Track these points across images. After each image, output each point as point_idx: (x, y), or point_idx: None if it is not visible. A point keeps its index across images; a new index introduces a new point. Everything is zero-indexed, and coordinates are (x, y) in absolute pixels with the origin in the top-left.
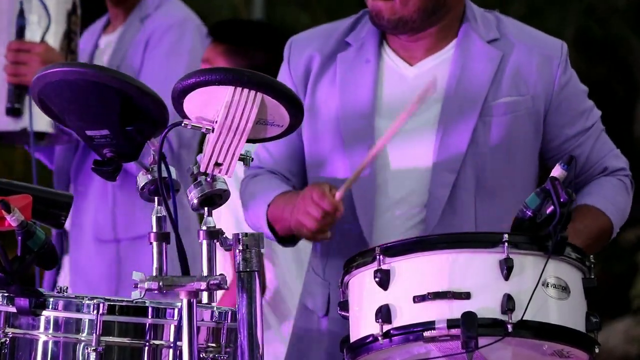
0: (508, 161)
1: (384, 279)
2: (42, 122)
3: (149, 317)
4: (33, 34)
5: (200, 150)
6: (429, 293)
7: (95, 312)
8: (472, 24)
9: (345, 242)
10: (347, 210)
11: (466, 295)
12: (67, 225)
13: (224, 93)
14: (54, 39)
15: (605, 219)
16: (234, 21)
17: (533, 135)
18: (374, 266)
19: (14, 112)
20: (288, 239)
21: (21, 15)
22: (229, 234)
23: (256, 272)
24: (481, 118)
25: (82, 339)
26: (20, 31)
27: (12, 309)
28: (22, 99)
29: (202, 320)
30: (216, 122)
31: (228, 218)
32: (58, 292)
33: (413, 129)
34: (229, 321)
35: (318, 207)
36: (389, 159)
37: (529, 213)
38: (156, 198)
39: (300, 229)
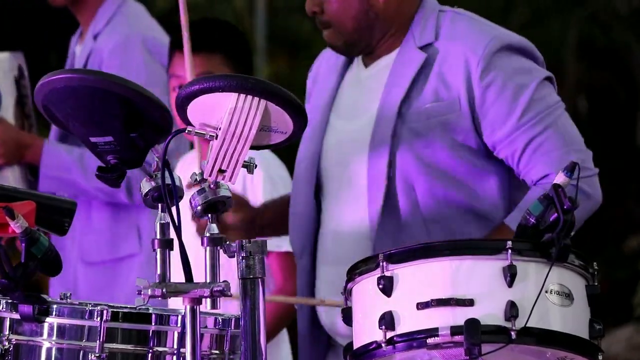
0: (441, 165)
1: (387, 286)
2: None
3: (152, 324)
4: None
5: None
6: (432, 300)
7: (98, 318)
8: (414, 29)
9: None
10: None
11: (469, 302)
12: None
13: (227, 100)
14: (7, 111)
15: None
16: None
17: (464, 137)
18: (377, 273)
19: None
20: None
21: None
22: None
23: (259, 279)
24: (400, 126)
25: (86, 345)
26: None
27: (16, 316)
28: None
29: (206, 327)
30: (220, 128)
31: (261, 178)
32: (62, 299)
33: (351, 141)
34: (232, 328)
35: None
36: (331, 177)
37: (532, 220)
38: (160, 205)
39: None
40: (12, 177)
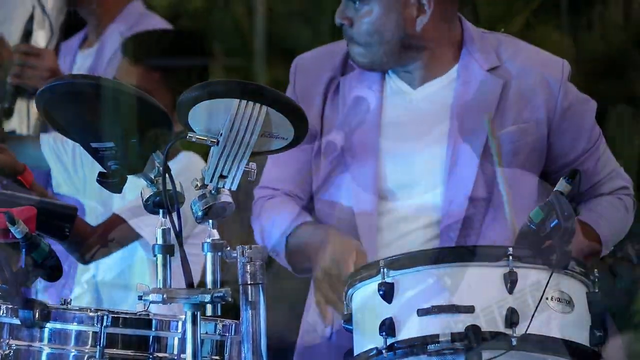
0: (514, 186)
1: (388, 292)
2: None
3: (153, 329)
4: (37, 41)
5: None
6: (433, 306)
7: (99, 324)
8: (470, 51)
9: None
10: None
11: (470, 309)
12: None
13: (229, 105)
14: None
15: (595, 235)
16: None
17: (537, 159)
18: (378, 279)
19: (8, 112)
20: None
21: (30, 20)
22: None
23: (261, 285)
24: (488, 149)
25: (86, 351)
26: (27, 35)
27: (16, 321)
28: (15, 101)
29: (206, 333)
30: (221, 134)
31: None
32: (62, 304)
33: (420, 147)
34: (232, 334)
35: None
36: (389, 178)
37: (533, 227)
38: (160, 210)
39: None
40: None
